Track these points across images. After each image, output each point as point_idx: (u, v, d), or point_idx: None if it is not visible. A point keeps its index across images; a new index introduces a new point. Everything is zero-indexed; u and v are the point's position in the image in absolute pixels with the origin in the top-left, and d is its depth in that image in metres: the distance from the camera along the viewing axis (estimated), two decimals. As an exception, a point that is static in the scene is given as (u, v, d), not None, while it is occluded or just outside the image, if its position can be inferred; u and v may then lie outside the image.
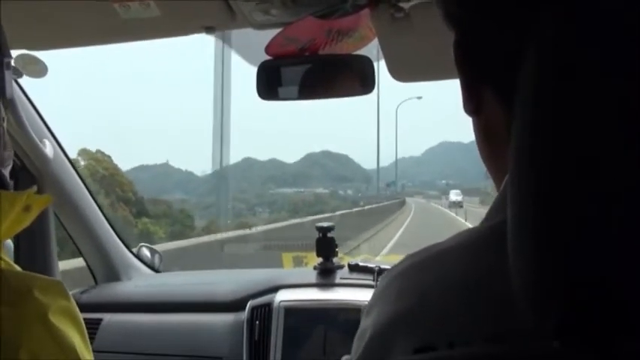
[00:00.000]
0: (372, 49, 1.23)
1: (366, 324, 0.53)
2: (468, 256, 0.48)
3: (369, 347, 0.51)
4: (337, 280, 1.54)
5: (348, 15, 1.07)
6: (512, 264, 0.38)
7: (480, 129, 0.54)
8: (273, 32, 1.13)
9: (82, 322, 0.78)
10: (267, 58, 1.17)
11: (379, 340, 0.49)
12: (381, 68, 1.24)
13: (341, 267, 1.59)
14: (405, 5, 1.04)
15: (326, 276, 1.56)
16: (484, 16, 0.48)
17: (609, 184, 0.34)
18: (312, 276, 1.57)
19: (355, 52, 1.22)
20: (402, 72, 1.24)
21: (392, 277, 0.52)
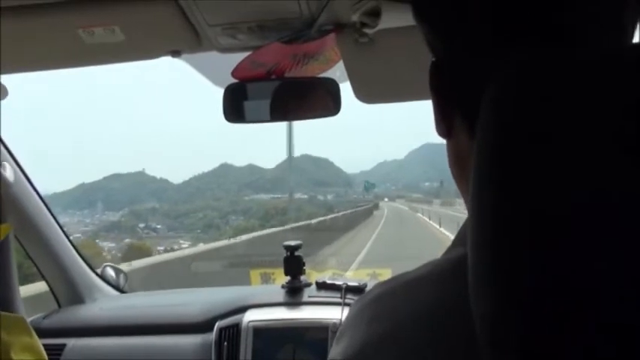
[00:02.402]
0: (335, 71, 1.25)
1: (336, 352, 0.53)
2: (437, 285, 0.48)
3: None
4: (305, 299, 1.54)
5: (314, 40, 1.09)
6: (471, 300, 0.39)
7: (451, 151, 0.56)
8: (240, 55, 1.13)
9: (44, 355, 0.77)
10: (234, 81, 1.18)
11: None
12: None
13: (308, 285, 1.59)
14: (369, 31, 1.06)
15: (294, 294, 1.56)
16: (455, 45, 0.50)
17: (568, 220, 0.35)
18: (279, 295, 1.57)
19: (321, 75, 1.24)
20: (367, 94, 1.26)
21: (362, 305, 0.53)
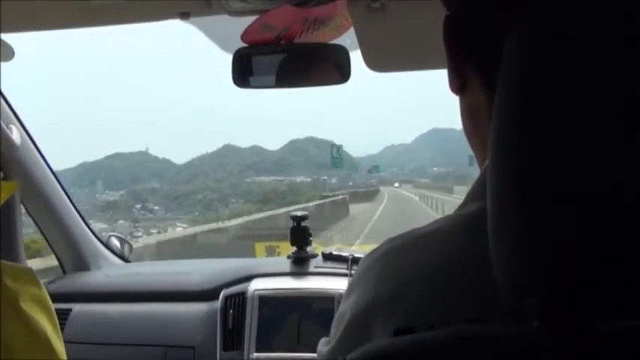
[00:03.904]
0: (345, 39, 1.23)
1: (345, 307, 0.53)
2: (447, 240, 0.48)
3: (348, 329, 0.51)
4: (311, 269, 1.55)
5: (325, 3, 1.07)
6: (492, 246, 0.39)
7: (465, 107, 0.56)
8: (249, 20, 1.12)
9: (53, 310, 0.77)
10: (243, 45, 1.16)
11: (359, 322, 0.50)
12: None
13: (314, 256, 1.59)
14: (381, -5, 1.04)
15: (300, 265, 1.56)
16: None
17: (590, 169, 0.35)
18: (286, 265, 1.57)
19: (331, 42, 1.22)
20: (378, 62, 1.24)
21: (372, 261, 0.53)
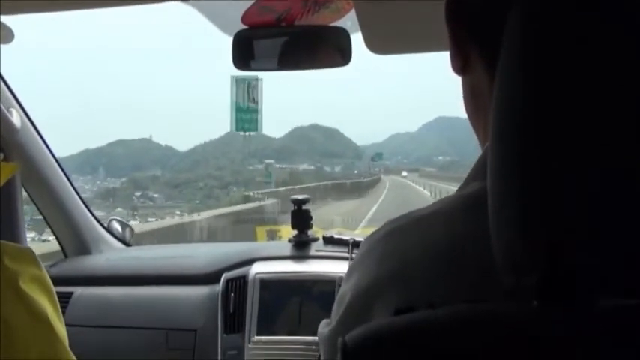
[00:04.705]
0: (346, 21, 1.22)
1: (346, 288, 0.53)
2: (448, 221, 0.48)
3: (349, 310, 0.52)
4: (312, 253, 1.55)
5: (326, -16, 1.06)
6: (492, 226, 0.39)
7: (467, 87, 0.56)
8: (249, 2, 1.11)
9: (54, 290, 0.77)
10: (243, 27, 1.16)
11: (360, 303, 0.50)
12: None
13: (315, 239, 1.60)
14: (382, -25, 1.03)
15: (301, 248, 1.57)
16: None
17: (590, 148, 0.34)
18: (287, 248, 1.57)
19: (332, 24, 1.21)
20: (379, 44, 1.23)
21: (374, 242, 0.53)
